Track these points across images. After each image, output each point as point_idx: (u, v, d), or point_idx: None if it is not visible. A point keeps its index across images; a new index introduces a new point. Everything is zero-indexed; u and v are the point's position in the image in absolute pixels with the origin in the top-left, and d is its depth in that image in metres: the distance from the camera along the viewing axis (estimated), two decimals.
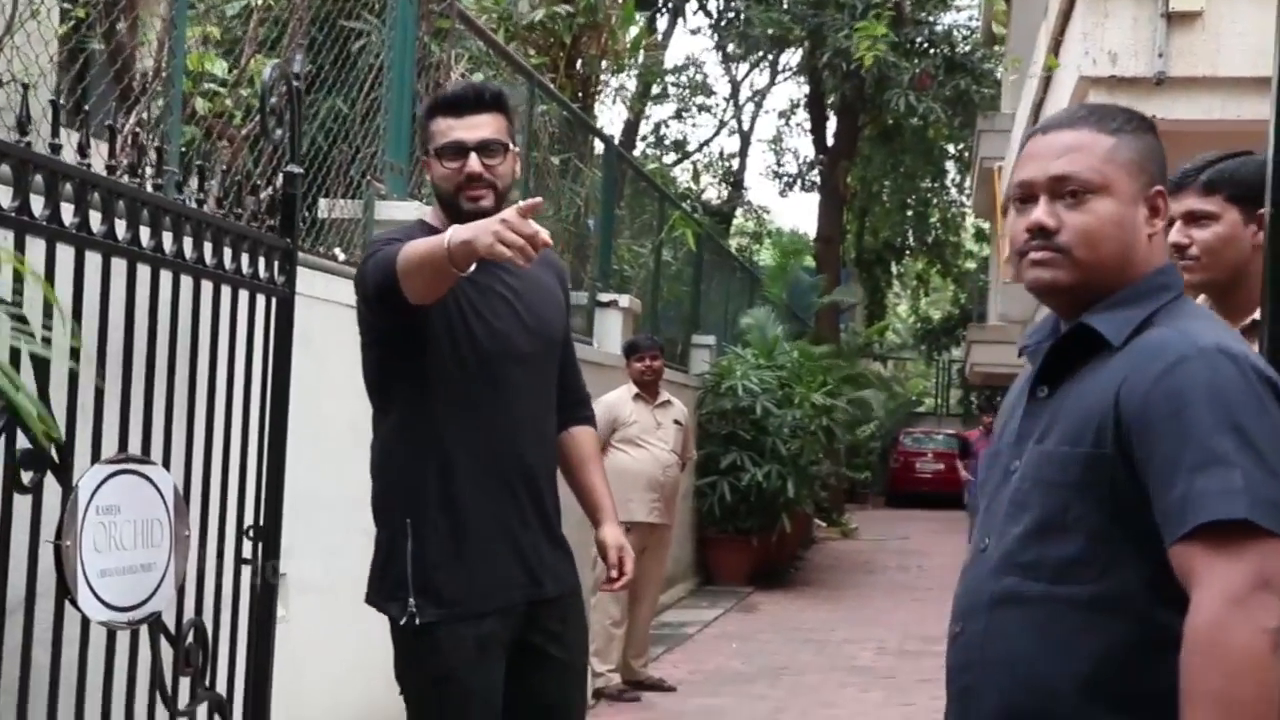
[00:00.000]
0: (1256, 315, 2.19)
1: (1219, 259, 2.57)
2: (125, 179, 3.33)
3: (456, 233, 2.89)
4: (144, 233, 3.33)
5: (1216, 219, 2.59)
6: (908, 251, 30.75)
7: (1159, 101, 5.25)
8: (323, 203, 5.92)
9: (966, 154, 25.03)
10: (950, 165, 27.87)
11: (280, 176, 4.12)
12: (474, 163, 3.25)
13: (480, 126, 3.27)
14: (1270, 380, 1.85)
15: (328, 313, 5.22)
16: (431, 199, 6.68)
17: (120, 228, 3.22)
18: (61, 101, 3.69)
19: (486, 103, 3.30)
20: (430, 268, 2.96)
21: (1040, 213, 1.99)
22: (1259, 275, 2.11)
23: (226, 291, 3.76)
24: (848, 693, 7.39)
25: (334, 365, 5.29)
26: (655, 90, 27.54)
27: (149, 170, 3.40)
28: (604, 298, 10.20)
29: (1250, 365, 1.85)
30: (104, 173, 3.17)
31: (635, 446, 7.66)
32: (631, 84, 26.17)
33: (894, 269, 31.99)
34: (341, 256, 5.85)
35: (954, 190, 29.50)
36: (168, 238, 3.43)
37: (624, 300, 10.31)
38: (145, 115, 4.59)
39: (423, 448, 3.31)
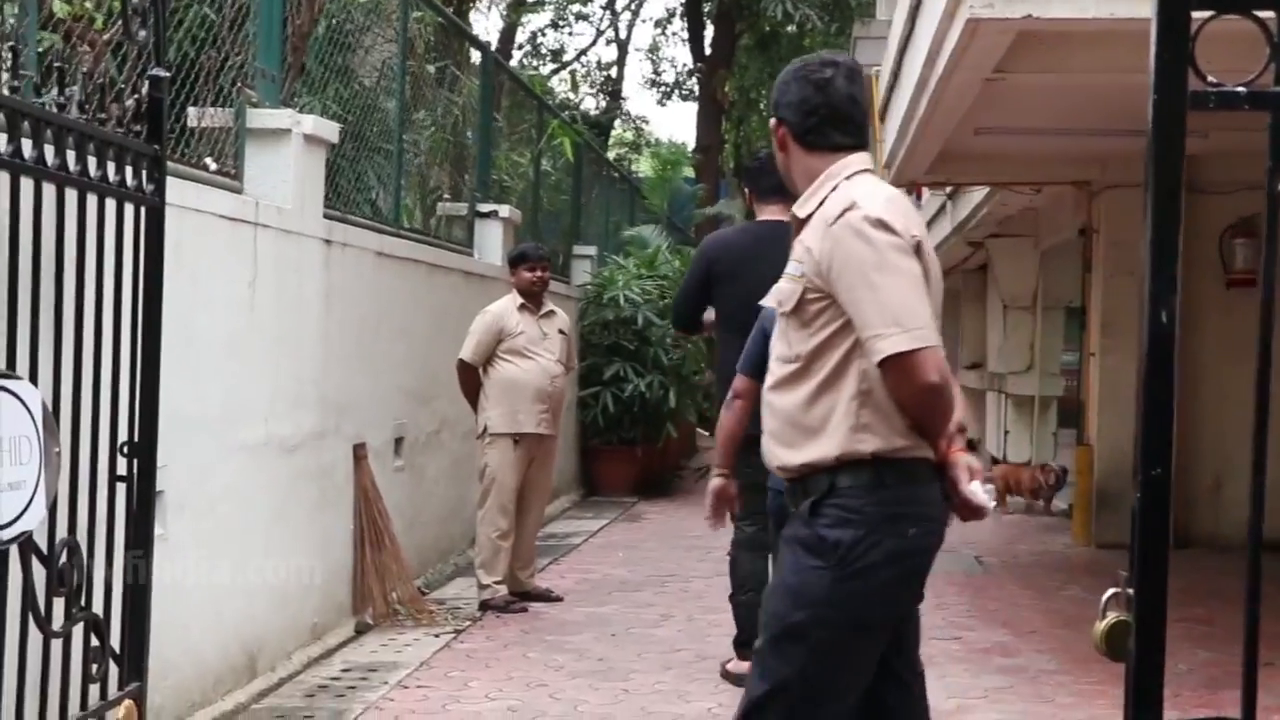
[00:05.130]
0: None
1: None
2: None
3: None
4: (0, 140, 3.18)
5: None
6: None
7: (1035, 0, 5.24)
8: (191, 111, 5.72)
9: None
10: None
11: (146, 81, 3.96)
12: None
13: None
14: None
15: (200, 223, 5.06)
16: (311, 111, 6.52)
17: None
18: None
19: None
20: None
21: None
22: None
23: (93, 201, 3.61)
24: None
25: (207, 277, 5.15)
26: None
27: (3, 75, 3.23)
28: (484, 208, 10.06)
29: None
30: None
31: (522, 357, 7.57)
32: None
33: None
34: (213, 166, 5.67)
35: None
36: (27, 145, 3.28)
37: (504, 211, 10.19)
38: None
39: None
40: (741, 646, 5.72)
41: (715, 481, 5.00)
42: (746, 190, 6.45)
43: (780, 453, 3.14)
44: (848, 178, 3.14)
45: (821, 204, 3.12)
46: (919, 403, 2.96)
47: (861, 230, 2.98)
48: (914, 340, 2.91)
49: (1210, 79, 2.00)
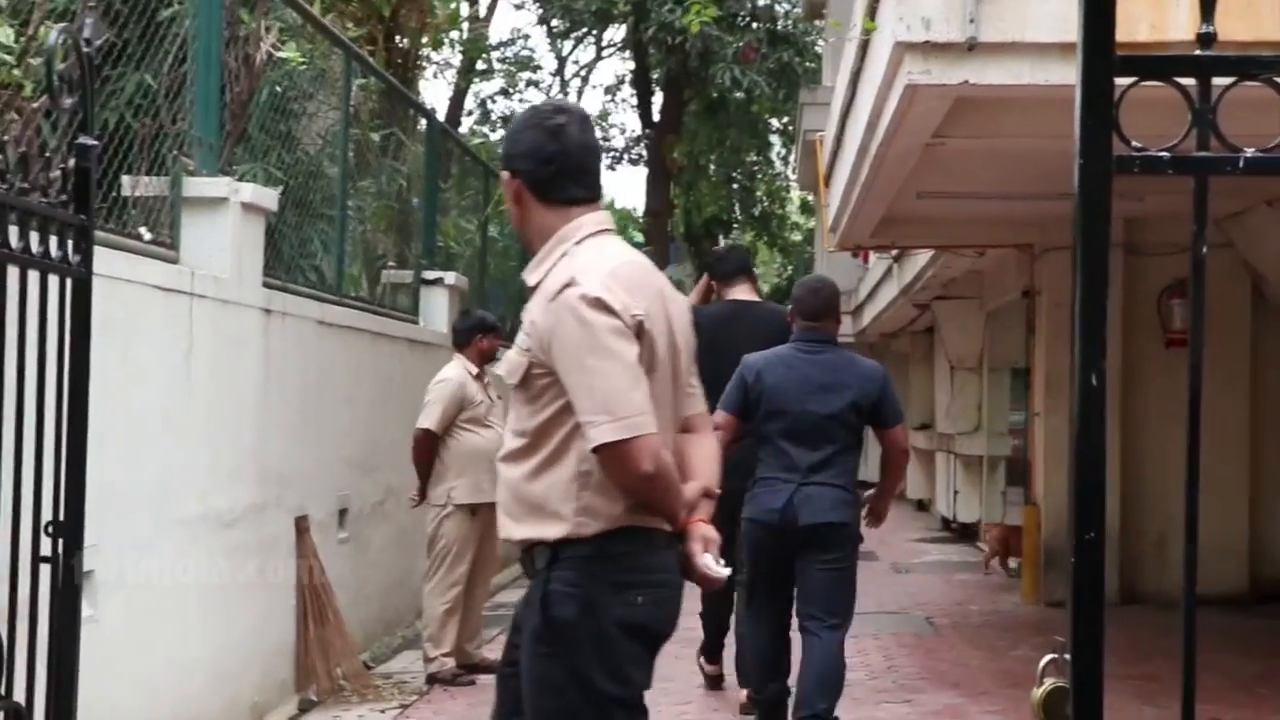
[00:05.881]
0: None
1: None
2: None
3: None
4: None
5: None
6: (735, 225, 30.96)
7: (971, 66, 5.27)
8: (126, 180, 5.65)
9: (790, 127, 25.23)
10: (774, 139, 28.08)
11: (73, 151, 3.89)
12: None
13: None
14: None
15: (133, 294, 4.98)
16: (252, 178, 6.46)
17: None
18: None
19: None
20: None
21: None
22: None
23: (15, 273, 3.53)
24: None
25: (140, 349, 5.07)
26: (480, 66, 27.22)
27: None
28: (429, 275, 10.03)
29: None
30: None
31: (483, 426, 7.46)
32: (456, 59, 25.88)
33: (722, 242, 32.15)
34: (147, 235, 5.60)
35: (779, 163, 29.74)
36: None
37: (450, 278, 10.15)
38: None
39: None
40: None
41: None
42: (712, 281, 7.38)
43: (507, 525, 3.09)
44: (578, 242, 3.04)
45: (549, 273, 3.02)
46: (634, 491, 2.90)
47: (577, 310, 2.88)
48: (624, 430, 2.83)
49: (1135, 144, 1.99)
